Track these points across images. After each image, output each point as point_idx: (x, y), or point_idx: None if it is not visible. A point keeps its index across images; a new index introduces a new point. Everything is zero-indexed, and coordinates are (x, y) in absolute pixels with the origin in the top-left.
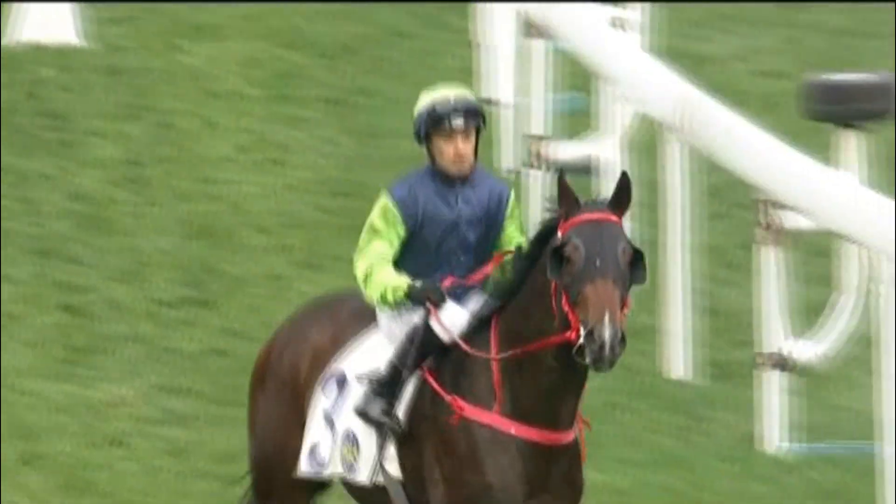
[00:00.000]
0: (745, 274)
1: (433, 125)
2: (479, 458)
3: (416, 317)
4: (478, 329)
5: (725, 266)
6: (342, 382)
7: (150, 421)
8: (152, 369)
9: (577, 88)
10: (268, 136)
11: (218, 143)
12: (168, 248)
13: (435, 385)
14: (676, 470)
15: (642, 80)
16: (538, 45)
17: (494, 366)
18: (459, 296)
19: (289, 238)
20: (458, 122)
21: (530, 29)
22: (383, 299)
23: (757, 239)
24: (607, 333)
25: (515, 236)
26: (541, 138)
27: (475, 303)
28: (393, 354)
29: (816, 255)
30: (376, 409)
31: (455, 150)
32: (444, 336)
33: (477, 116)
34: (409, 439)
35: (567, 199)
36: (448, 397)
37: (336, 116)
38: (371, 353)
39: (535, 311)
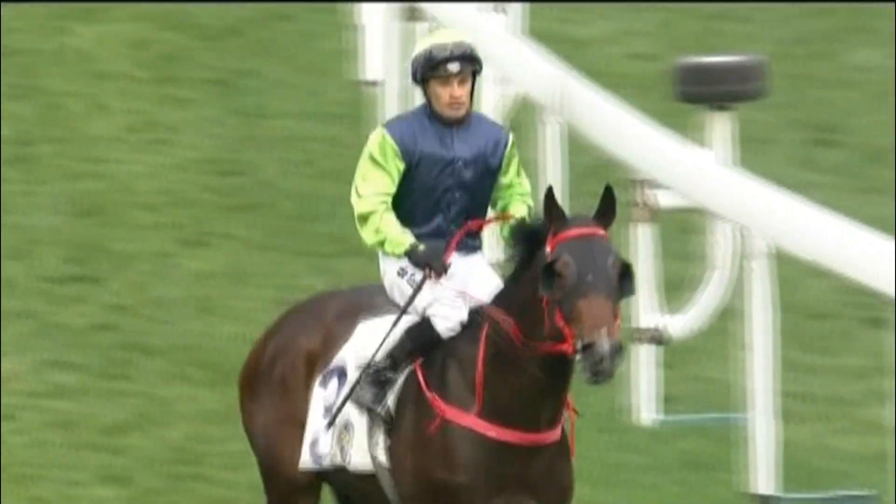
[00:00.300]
0: (620, 250)
1: (429, 69)
2: (453, 458)
3: (431, 308)
4: (470, 324)
5: None
6: (342, 374)
7: (38, 395)
8: (41, 344)
9: None
10: (154, 117)
11: (105, 124)
12: (57, 225)
13: (421, 379)
14: None
15: (519, 62)
16: (417, 27)
17: (479, 365)
18: (462, 249)
19: (175, 216)
20: (454, 66)
21: (410, 12)
22: (379, 246)
23: (631, 217)
24: (605, 347)
25: (514, 179)
26: None
27: (473, 301)
28: (391, 345)
29: (687, 233)
30: (368, 396)
31: (451, 94)
32: (441, 328)
33: (473, 61)
34: (396, 428)
35: (554, 213)
36: (429, 395)
37: (221, 97)
38: (364, 340)
39: (523, 321)
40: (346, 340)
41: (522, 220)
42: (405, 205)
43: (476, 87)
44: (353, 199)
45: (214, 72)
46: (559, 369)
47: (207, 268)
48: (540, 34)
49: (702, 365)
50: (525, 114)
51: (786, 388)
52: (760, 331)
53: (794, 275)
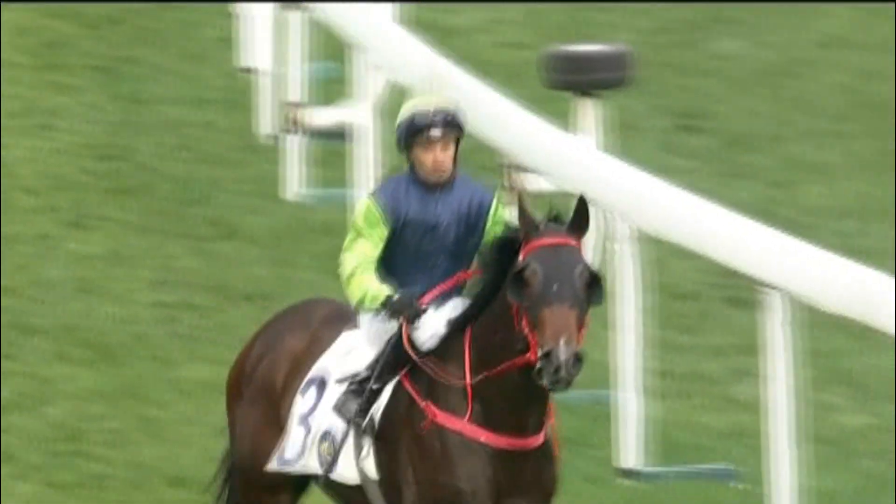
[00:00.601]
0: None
1: (412, 135)
2: (451, 463)
3: (394, 324)
4: (452, 338)
5: None
6: (322, 385)
7: None
8: None
9: (332, 57)
10: (36, 103)
11: None
12: None
13: (410, 390)
14: None
15: (393, 49)
16: (295, 16)
17: (467, 374)
18: (439, 306)
19: (56, 199)
20: (436, 132)
21: (287, 0)
22: (361, 303)
23: (502, 201)
24: (562, 356)
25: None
26: (297, 105)
27: (452, 310)
28: (374, 357)
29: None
30: (352, 409)
31: (433, 160)
32: (421, 341)
33: (455, 127)
34: (384, 441)
35: (527, 221)
36: (422, 403)
37: (102, 84)
38: (348, 354)
39: (500, 329)
40: (329, 347)
41: (503, 232)
42: (391, 267)
43: (458, 150)
44: (341, 264)
45: (96, 59)
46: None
47: (87, 250)
48: (410, 22)
49: None
50: (400, 100)
51: (651, 365)
52: (627, 310)
53: (659, 256)
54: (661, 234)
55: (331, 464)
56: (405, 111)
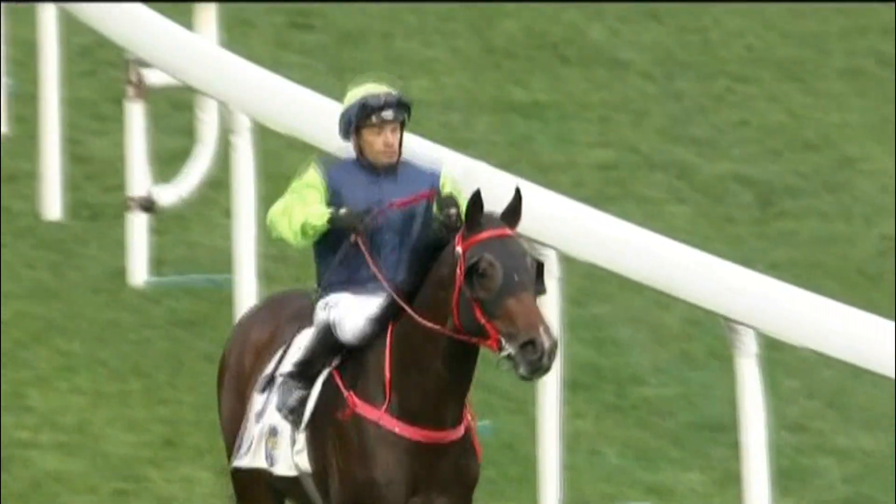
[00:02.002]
0: (114, 125)
1: (363, 117)
2: (367, 454)
3: (331, 313)
4: (377, 334)
5: (97, 118)
6: (272, 381)
7: None
8: None
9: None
10: None
11: None
12: None
13: (338, 381)
14: (54, 301)
15: None
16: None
17: (387, 366)
18: (390, 225)
19: None
20: (389, 114)
21: None
22: (303, 231)
23: (125, 94)
24: (546, 344)
25: None
26: None
27: (375, 307)
28: (304, 351)
29: (178, 109)
30: (286, 402)
31: (384, 142)
32: (344, 336)
33: (404, 109)
34: (314, 433)
35: (474, 216)
36: (345, 393)
37: None
38: (299, 350)
39: (428, 317)
40: (291, 339)
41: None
42: (338, 252)
43: (403, 134)
44: (269, 215)
45: None
46: (462, 368)
47: None
48: None
49: (189, 231)
50: None
51: (266, 251)
52: (245, 199)
53: (274, 147)
54: (276, 126)
55: (273, 458)
56: (353, 96)
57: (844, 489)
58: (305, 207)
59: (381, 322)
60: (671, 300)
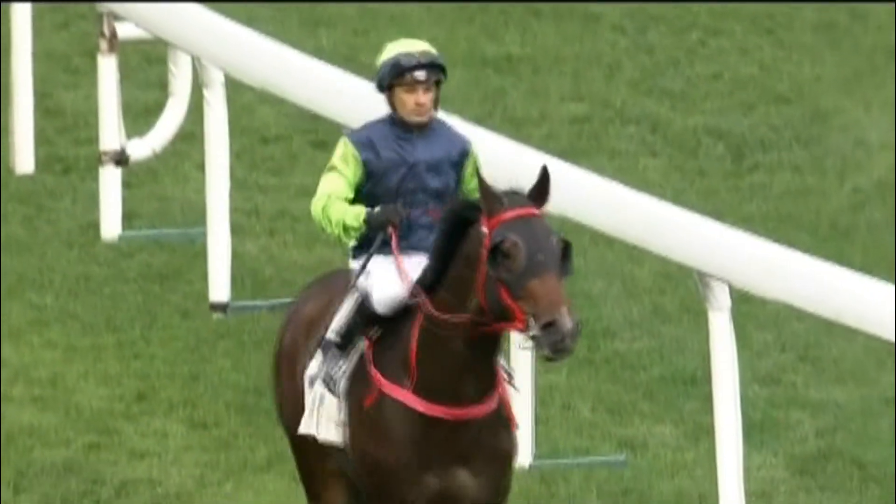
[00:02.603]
0: (87, 79)
1: (396, 76)
2: (387, 432)
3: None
4: (405, 310)
5: (69, 72)
6: (323, 346)
7: None
8: None
9: None
10: None
11: None
12: None
13: (368, 357)
14: (26, 255)
15: None
16: None
17: (413, 344)
18: (420, 227)
19: None
20: (421, 74)
21: None
22: (344, 231)
23: (98, 48)
24: (569, 325)
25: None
26: None
27: (405, 284)
28: (341, 321)
29: (150, 63)
30: (330, 375)
31: (416, 101)
32: (375, 305)
33: (438, 70)
34: (348, 405)
35: (489, 195)
36: (373, 371)
37: None
38: (342, 317)
39: (456, 302)
40: (340, 306)
41: (454, 200)
42: (374, 206)
43: (439, 94)
44: (312, 205)
45: None
46: (485, 345)
47: None
48: None
49: (161, 184)
50: None
51: (239, 205)
52: (218, 153)
53: (246, 101)
54: (248, 80)
55: (318, 426)
56: (388, 52)
57: (816, 442)
58: (342, 208)
59: (414, 295)
60: (643, 254)
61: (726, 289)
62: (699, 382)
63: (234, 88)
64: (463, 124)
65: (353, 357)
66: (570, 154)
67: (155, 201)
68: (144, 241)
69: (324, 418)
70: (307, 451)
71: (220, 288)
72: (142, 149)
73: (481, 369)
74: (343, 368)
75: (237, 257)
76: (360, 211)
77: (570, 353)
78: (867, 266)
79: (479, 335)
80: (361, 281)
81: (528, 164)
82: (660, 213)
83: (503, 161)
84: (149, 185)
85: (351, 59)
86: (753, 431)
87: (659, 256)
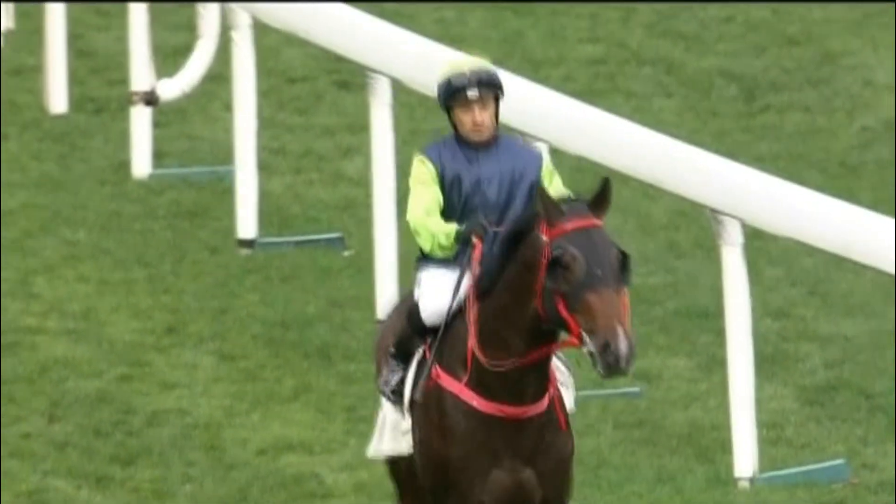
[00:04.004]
0: (118, 20)
1: (450, 97)
2: (445, 425)
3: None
4: (458, 314)
5: (100, 14)
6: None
7: None
8: None
9: None
10: None
11: None
12: None
13: (428, 355)
14: (60, 192)
15: None
16: None
17: (471, 341)
18: (489, 206)
19: None
20: (473, 93)
21: None
22: (440, 248)
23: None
24: (623, 346)
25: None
26: None
27: (458, 290)
28: (398, 333)
29: (180, 5)
30: (387, 383)
31: (472, 120)
32: (424, 316)
33: (493, 86)
34: (413, 411)
35: (548, 205)
36: (432, 365)
37: None
38: (395, 322)
39: (511, 306)
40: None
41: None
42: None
43: (499, 108)
44: (409, 220)
45: None
46: (538, 347)
47: None
48: None
49: (190, 124)
50: None
51: (266, 144)
52: (245, 94)
53: (273, 43)
54: (276, 23)
55: (381, 439)
56: (443, 73)
57: (826, 374)
58: (433, 226)
59: (463, 305)
60: (658, 191)
61: (738, 225)
62: (712, 316)
63: (261, 30)
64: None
65: (412, 367)
66: (587, 95)
67: (184, 140)
68: (174, 179)
69: (388, 430)
70: (398, 464)
71: (247, 224)
72: (171, 89)
73: (537, 372)
74: (399, 375)
75: (264, 195)
76: (451, 230)
77: (624, 374)
78: (875, 203)
79: (536, 334)
80: (417, 290)
81: (545, 104)
82: (674, 152)
83: (521, 102)
84: (178, 125)
85: (375, 7)
86: (764, 364)
87: (673, 194)
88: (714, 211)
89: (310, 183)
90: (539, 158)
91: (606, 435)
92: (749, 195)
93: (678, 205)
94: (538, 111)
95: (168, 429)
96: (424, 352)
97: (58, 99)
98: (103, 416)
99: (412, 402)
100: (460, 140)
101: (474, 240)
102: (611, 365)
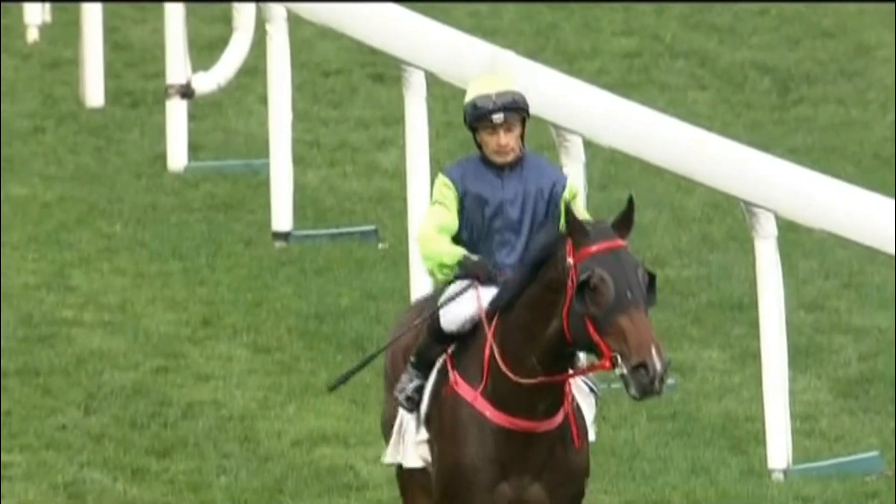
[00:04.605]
0: (154, 13)
1: (475, 119)
2: (457, 433)
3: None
4: (478, 325)
5: (137, 7)
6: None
7: None
8: None
9: None
10: None
11: None
12: None
13: (448, 364)
14: (96, 185)
15: None
16: None
17: (487, 351)
18: (506, 267)
19: None
20: (499, 117)
21: None
22: (439, 267)
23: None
24: (658, 368)
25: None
26: None
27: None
28: (419, 342)
29: None
30: (402, 390)
31: (497, 143)
32: (445, 324)
33: (518, 110)
34: (431, 421)
35: (575, 227)
36: (451, 372)
37: None
38: (406, 335)
39: (531, 323)
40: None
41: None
42: (462, 244)
43: (525, 130)
44: (419, 234)
45: None
46: (555, 365)
47: None
48: None
49: (226, 117)
50: None
51: (300, 137)
52: (280, 87)
53: (308, 36)
54: (311, 16)
55: (399, 450)
56: (469, 94)
57: (859, 366)
58: (441, 246)
59: (490, 313)
60: (692, 184)
61: (772, 218)
62: (746, 308)
63: (296, 23)
64: (516, 59)
65: (432, 376)
66: (622, 88)
67: (220, 133)
68: (209, 172)
69: (409, 444)
70: (410, 475)
71: (282, 217)
72: (207, 82)
73: (553, 386)
74: (416, 384)
75: (299, 187)
76: (457, 253)
77: (658, 395)
78: None
79: (555, 352)
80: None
81: (579, 97)
82: (708, 144)
83: (555, 95)
84: (214, 118)
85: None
86: (798, 356)
87: (707, 187)
88: (748, 203)
89: (344, 175)
90: (563, 178)
91: (641, 427)
92: (783, 188)
93: (712, 197)
94: (572, 104)
95: (203, 421)
96: (445, 361)
97: (94, 92)
98: (139, 408)
99: (429, 414)
100: (485, 159)
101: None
102: (644, 385)
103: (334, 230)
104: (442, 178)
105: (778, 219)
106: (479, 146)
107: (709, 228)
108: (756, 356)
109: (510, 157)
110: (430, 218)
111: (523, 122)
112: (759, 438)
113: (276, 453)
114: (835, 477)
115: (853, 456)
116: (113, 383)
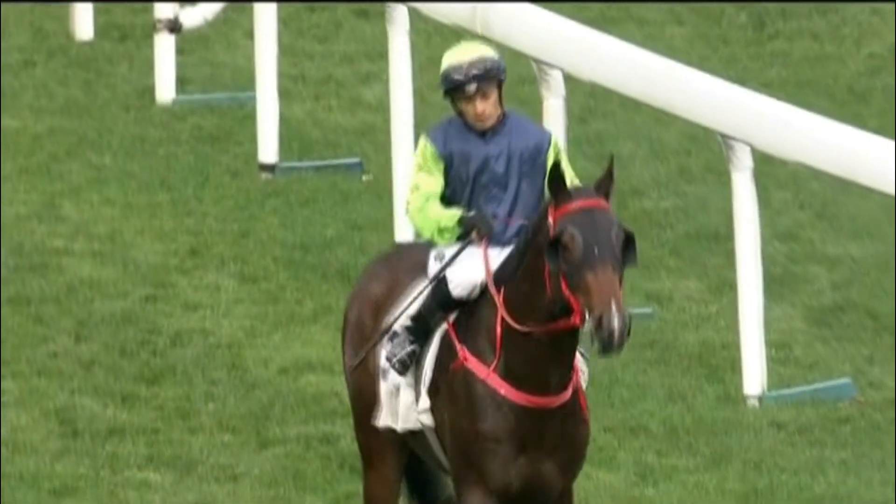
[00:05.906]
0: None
1: (450, 90)
2: (472, 409)
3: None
4: (486, 293)
5: None
6: (393, 335)
7: None
8: None
9: None
10: None
11: None
12: None
13: (452, 334)
14: (85, 117)
15: None
16: None
17: (498, 328)
18: (503, 234)
19: None
20: (472, 87)
21: None
22: (439, 233)
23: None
24: (616, 322)
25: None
26: None
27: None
28: (419, 306)
29: None
30: (395, 355)
31: (474, 111)
32: (454, 290)
33: (492, 78)
34: (435, 388)
35: (557, 188)
36: (458, 346)
37: None
38: (416, 302)
39: (530, 292)
40: (406, 296)
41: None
42: (451, 202)
43: (502, 92)
44: (407, 204)
45: None
46: (565, 339)
47: None
48: None
49: (213, 51)
50: None
51: (286, 70)
52: (264, 21)
53: None
54: None
55: (396, 415)
56: (443, 64)
57: (833, 295)
58: (437, 211)
59: (497, 279)
60: (670, 117)
61: (748, 150)
62: (722, 239)
63: None
64: None
65: (433, 342)
66: (601, 22)
67: (207, 67)
68: (197, 105)
69: (402, 408)
70: (367, 425)
71: (268, 149)
72: (194, 17)
73: (562, 361)
74: (410, 349)
75: (284, 120)
76: (454, 214)
77: (619, 349)
78: (882, 128)
79: (558, 330)
80: (435, 264)
81: (559, 32)
82: (685, 78)
83: (535, 30)
84: (201, 52)
85: None
86: (773, 285)
87: (685, 120)
88: (724, 136)
89: (329, 109)
90: (548, 137)
91: (619, 355)
92: (758, 121)
93: (689, 130)
94: (552, 38)
95: (191, 349)
96: (447, 330)
97: (84, 26)
98: (129, 336)
99: (434, 382)
100: (466, 122)
101: (474, 235)
102: (605, 340)
103: (319, 162)
104: (423, 142)
105: (754, 151)
106: (459, 113)
107: (686, 161)
108: (732, 286)
109: (489, 123)
110: (417, 189)
111: (499, 87)
112: (735, 366)
113: (263, 380)
114: (808, 403)
115: (826, 382)
116: (103, 312)
